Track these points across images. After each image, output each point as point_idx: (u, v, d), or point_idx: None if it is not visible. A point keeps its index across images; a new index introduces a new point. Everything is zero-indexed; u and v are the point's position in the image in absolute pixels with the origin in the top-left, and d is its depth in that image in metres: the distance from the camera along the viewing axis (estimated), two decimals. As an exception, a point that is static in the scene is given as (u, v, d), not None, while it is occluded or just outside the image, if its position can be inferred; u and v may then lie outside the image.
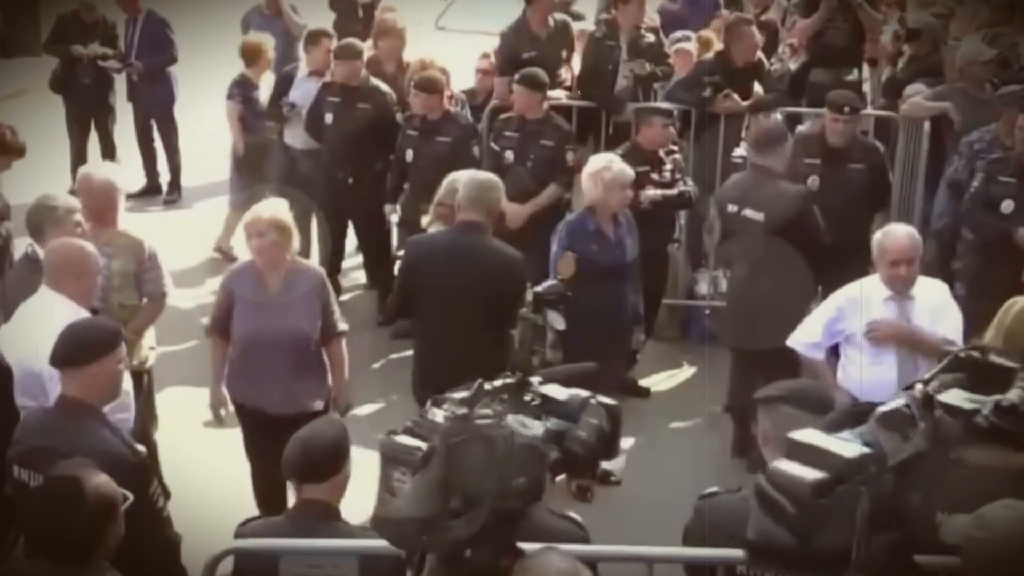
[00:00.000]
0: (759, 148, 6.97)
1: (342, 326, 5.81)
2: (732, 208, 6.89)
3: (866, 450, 2.92)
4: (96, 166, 7.27)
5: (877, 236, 5.83)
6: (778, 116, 8.88)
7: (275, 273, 5.62)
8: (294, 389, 5.58)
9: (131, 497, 3.71)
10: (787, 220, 6.60)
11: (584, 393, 3.17)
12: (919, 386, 3.28)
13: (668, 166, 7.65)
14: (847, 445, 2.91)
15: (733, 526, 3.55)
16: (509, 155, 7.88)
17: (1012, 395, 3.27)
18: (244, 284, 5.68)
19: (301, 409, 5.45)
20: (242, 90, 9.40)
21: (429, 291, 5.84)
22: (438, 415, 3.01)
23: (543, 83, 7.94)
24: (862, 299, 5.75)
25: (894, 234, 5.75)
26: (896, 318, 5.68)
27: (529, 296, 3.57)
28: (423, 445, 2.91)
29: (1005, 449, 3.36)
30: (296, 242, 5.77)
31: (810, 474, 2.80)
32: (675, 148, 7.80)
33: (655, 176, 7.56)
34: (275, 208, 5.69)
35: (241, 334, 5.65)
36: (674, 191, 7.64)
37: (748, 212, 6.76)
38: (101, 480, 3.54)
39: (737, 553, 3.54)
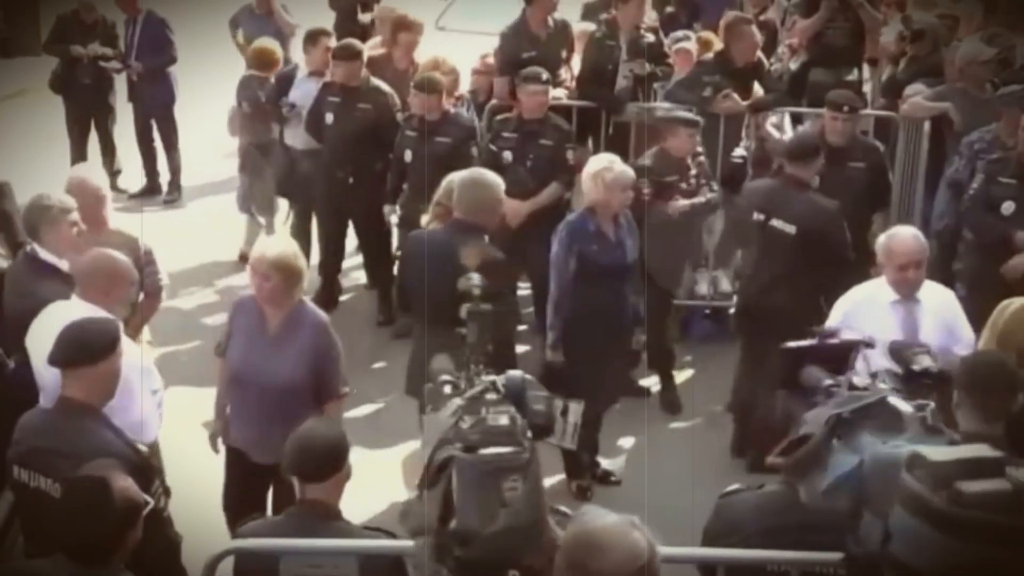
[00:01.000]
0: (794, 158, 6.84)
1: (344, 389, 5.42)
2: (759, 216, 6.79)
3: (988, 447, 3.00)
4: (80, 168, 7.24)
5: (882, 239, 5.75)
6: (784, 120, 8.88)
7: (277, 312, 5.32)
8: (265, 435, 5.14)
9: (152, 502, 3.72)
10: (819, 235, 6.56)
11: (516, 372, 3.23)
12: (880, 383, 3.29)
13: (693, 171, 7.61)
14: (972, 448, 2.96)
15: (754, 522, 3.56)
16: (507, 155, 7.87)
17: (923, 361, 3.42)
18: (245, 315, 5.44)
19: (270, 460, 4.72)
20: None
21: (418, 289, 5.81)
22: (501, 419, 3.00)
23: (549, 81, 7.95)
24: (867, 302, 5.69)
25: (901, 237, 5.66)
26: (903, 323, 5.55)
27: (475, 290, 3.57)
28: (518, 448, 2.92)
29: None
30: (304, 283, 5.44)
31: (994, 484, 2.82)
32: (700, 151, 7.73)
33: (683, 185, 7.52)
34: (281, 248, 5.33)
35: (231, 365, 5.46)
36: (701, 199, 7.60)
37: (777, 223, 6.67)
38: (128, 483, 3.55)
39: (739, 553, 3.55)
